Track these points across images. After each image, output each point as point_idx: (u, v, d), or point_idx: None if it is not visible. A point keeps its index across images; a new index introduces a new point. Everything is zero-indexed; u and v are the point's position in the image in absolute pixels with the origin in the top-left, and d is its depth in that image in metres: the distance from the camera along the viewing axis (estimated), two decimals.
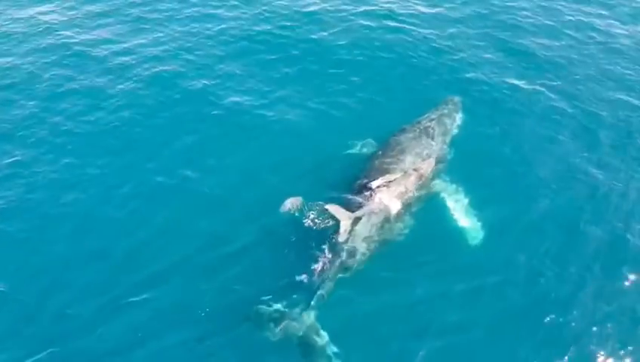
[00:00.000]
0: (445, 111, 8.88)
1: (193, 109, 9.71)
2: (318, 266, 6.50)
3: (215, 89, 10.13)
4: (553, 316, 6.53)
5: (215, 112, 9.64)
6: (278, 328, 6.02)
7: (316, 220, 7.01)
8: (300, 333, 6.01)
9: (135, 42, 11.44)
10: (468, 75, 10.46)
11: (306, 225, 7.01)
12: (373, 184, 7.23)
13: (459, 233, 7.27)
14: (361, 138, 8.73)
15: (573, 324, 6.50)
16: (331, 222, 6.91)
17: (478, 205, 7.56)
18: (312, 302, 6.14)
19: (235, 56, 10.98)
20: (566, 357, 6.17)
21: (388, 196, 7.14)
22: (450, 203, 7.58)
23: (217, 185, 8.19)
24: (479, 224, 7.28)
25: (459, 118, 8.96)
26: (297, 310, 6.19)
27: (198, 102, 9.89)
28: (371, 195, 7.17)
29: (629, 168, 8.60)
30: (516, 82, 10.29)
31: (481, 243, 7.12)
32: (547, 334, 6.41)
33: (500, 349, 6.25)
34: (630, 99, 9.99)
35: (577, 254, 7.25)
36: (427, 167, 7.57)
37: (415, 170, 7.49)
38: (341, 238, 6.50)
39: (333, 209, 6.67)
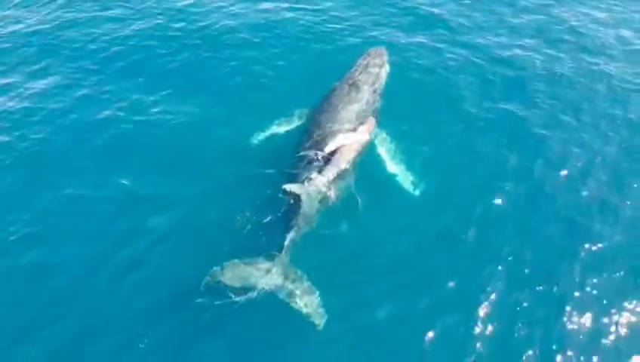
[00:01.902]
0: (371, 62, 8.59)
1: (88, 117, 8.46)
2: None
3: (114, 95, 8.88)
4: (492, 245, 6.64)
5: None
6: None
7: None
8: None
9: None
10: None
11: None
12: (325, 151, 7.14)
13: (395, 178, 7.34)
14: (289, 112, 8.16)
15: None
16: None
17: (410, 149, 7.64)
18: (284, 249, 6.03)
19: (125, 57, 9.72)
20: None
21: (340, 161, 7.09)
22: (381, 150, 7.62)
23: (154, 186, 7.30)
24: (408, 168, 7.37)
25: (385, 67, 8.66)
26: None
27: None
28: (323, 164, 7.03)
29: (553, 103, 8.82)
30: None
31: (418, 185, 7.19)
32: (485, 260, 6.48)
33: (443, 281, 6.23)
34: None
35: (509, 180, 7.43)
36: (370, 126, 7.64)
37: (360, 132, 7.49)
38: (308, 211, 6.41)
39: (292, 188, 6.55)
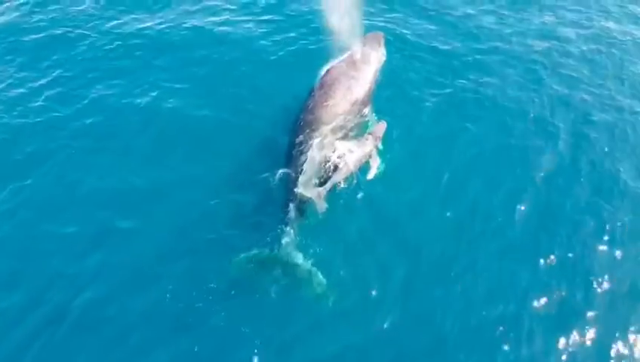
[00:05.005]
0: (369, 45, 8.66)
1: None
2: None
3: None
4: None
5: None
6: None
7: None
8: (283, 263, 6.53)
9: None
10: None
11: None
12: (337, 153, 7.29)
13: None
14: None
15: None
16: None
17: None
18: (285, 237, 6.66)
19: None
20: None
21: (352, 163, 7.33)
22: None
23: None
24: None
25: (382, 51, 8.75)
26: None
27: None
28: (337, 164, 7.23)
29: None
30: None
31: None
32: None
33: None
34: None
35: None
36: (381, 129, 7.77)
37: (371, 134, 7.65)
38: (320, 207, 6.88)
39: (304, 191, 6.94)
